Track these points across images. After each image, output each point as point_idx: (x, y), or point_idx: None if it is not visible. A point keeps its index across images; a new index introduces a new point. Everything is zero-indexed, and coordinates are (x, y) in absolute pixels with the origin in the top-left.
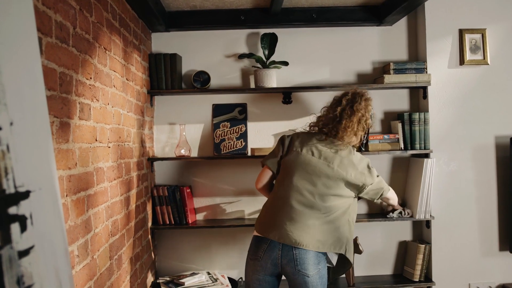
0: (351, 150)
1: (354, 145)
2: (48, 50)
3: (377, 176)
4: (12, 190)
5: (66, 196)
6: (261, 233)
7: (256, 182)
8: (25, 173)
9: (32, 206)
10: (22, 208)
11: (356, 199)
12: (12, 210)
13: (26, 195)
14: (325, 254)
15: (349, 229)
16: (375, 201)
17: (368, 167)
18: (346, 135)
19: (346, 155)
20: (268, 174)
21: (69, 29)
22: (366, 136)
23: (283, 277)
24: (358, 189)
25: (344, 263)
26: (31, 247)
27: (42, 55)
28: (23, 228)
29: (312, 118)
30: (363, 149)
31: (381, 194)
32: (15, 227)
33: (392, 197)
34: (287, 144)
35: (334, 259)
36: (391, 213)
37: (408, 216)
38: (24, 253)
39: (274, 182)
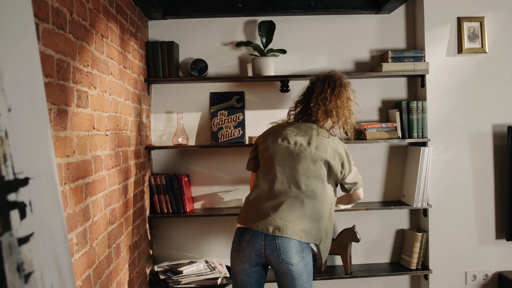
0: (328, 134)
1: (333, 129)
2: (45, 36)
3: (355, 168)
4: (11, 177)
5: (65, 184)
6: (244, 224)
7: (250, 187)
8: (24, 160)
9: (31, 193)
10: (22, 195)
11: (334, 191)
12: (12, 197)
13: (25, 182)
14: (308, 243)
15: (330, 222)
16: (349, 192)
17: (346, 152)
18: (320, 116)
19: (323, 137)
20: (253, 176)
21: (66, 15)
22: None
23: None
24: (337, 174)
25: (318, 252)
26: (31, 234)
27: (39, 41)
28: (23, 215)
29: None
30: (349, 136)
31: (356, 187)
32: (14, 214)
33: (360, 197)
34: (260, 140)
35: (315, 247)
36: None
37: None
38: (23, 240)
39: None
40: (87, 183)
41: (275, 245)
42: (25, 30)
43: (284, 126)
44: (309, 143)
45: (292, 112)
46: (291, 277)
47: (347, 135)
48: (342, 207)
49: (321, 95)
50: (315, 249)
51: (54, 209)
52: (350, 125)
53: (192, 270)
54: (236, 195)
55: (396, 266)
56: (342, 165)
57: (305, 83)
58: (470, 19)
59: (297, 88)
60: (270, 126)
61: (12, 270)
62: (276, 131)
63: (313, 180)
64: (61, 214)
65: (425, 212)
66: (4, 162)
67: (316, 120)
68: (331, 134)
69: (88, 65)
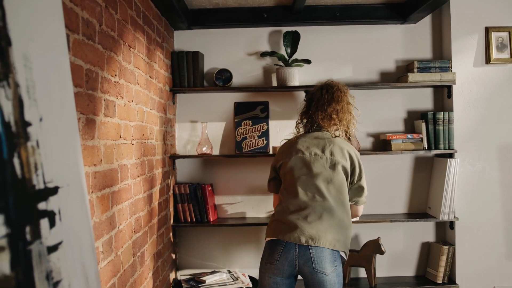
0: (340, 138)
1: (344, 135)
2: (75, 46)
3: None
4: (41, 186)
5: (92, 192)
6: (274, 236)
7: (273, 206)
8: (54, 169)
9: (60, 202)
10: (51, 203)
11: None
12: (42, 205)
13: (54, 191)
14: (338, 252)
15: (351, 229)
16: (352, 201)
17: (358, 159)
18: (327, 123)
19: (335, 142)
20: (275, 197)
21: (95, 26)
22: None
23: (299, 277)
24: (349, 177)
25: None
26: (60, 243)
27: (69, 52)
28: (52, 224)
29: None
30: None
31: (360, 199)
32: (44, 223)
33: (359, 213)
34: (275, 161)
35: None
36: None
37: None
38: (52, 249)
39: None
40: (113, 192)
41: (309, 255)
42: (56, 41)
43: (295, 140)
44: (323, 151)
45: (300, 125)
46: None
47: (349, 140)
48: None
49: (320, 102)
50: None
51: (82, 217)
52: (351, 129)
53: (215, 280)
54: (260, 205)
55: (422, 279)
56: (354, 170)
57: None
58: (499, 29)
59: None
60: (282, 143)
61: (41, 279)
62: (289, 147)
63: (334, 187)
64: (89, 223)
65: (451, 225)
66: (35, 171)
67: (322, 127)
68: (345, 139)
69: (115, 75)
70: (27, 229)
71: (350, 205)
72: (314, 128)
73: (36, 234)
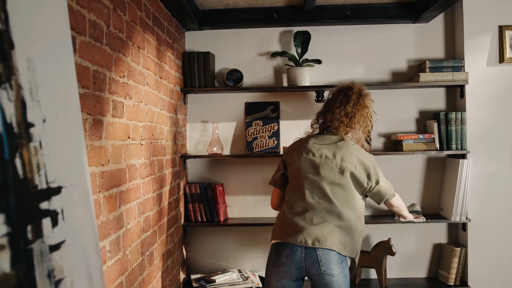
0: (353, 144)
1: (357, 140)
2: (82, 48)
3: (384, 179)
4: (44, 186)
5: (99, 192)
6: (280, 238)
7: (270, 203)
8: (57, 169)
9: (63, 201)
10: (54, 203)
11: (364, 202)
12: (44, 205)
13: (57, 190)
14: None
15: (361, 233)
16: (379, 204)
17: (373, 163)
18: (341, 126)
19: (347, 147)
20: (275, 192)
21: (103, 28)
22: (370, 133)
23: (306, 278)
24: (363, 185)
25: (352, 265)
26: (62, 242)
27: (75, 54)
28: (55, 223)
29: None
30: (370, 145)
31: (386, 199)
32: (46, 222)
33: (398, 204)
34: (286, 157)
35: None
36: (396, 217)
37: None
38: (55, 248)
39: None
40: (121, 192)
41: (316, 257)
42: (61, 43)
43: (307, 140)
44: (334, 155)
45: (315, 125)
46: None
47: (368, 143)
48: (402, 219)
49: (335, 103)
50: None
51: (86, 217)
52: (367, 133)
53: (225, 279)
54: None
55: (433, 281)
56: (369, 176)
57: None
58: None
59: None
60: (294, 140)
61: (43, 277)
62: (300, 146)
63: (342, 191)
64: (93, 222)
65: (464, 226)
66: (37, 171)
67: (337, 130)
68: (356, 143)
69: (124, 76)
70: (29, 228)
71: (385, 204)
72: (327, 130)
73: (38, 233)
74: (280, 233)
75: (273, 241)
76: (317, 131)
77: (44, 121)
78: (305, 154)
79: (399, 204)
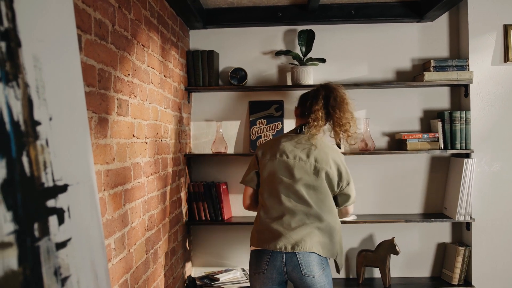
0: (326, 143)
1: (336, 141)
2: (88, 47)
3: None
4: (50, 184)
5: (104, 190)
6: (260, 246)
7: (242, 203)
8: (63, 167)
9: (69, 199)
10: (60, 201)
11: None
12: (50, 203)
13: (64, 188)
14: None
15: (340, 234)
16: (339, 207)
17: (344, 163)
18: (316, 125)
19: (321, 147)
20: (248, 192)
21: (108, 26)
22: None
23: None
24: (335, 185)
25: (336, 267)
26: (68, 240)
27: (81, 52)
28: (61, 221)
29: None
30: (341, 147)
31: (349, 203)
32: (53, 220)
33: (350, 212)
34: (260, 156)
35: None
36: None
37: None
38: (61, 245)
39: (258, 196)
40: (126, 190)
41: (296, 261)
42: (67, 41)
43: (279, 140)
44: (308, 156)
45: (298, 123)
46: None
47: (351, 143)
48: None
49: (317, 105)
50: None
51: (92, 215)
52: (352, 133)
53: (229, 278)
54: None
55: (437, 280)
56: (340, 177)
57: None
58: None
59: None
60: (266, 140)
61: (49, 274)
62: (273, 146)
63: (318, 193)
64: (99, 220)
65: (468, 225)
66: (44, 169)
67: (312, 128)
68: (329, 144)
69: (129, 75)
70: (36, 226)
71: (340, 208)
72: (303, 130)
73: (45, 231)
74: (258, 240)
75: (252, 248)
76: (290, 130)
77: (50, 119)
78: (279, 156)
79: (351, 212)
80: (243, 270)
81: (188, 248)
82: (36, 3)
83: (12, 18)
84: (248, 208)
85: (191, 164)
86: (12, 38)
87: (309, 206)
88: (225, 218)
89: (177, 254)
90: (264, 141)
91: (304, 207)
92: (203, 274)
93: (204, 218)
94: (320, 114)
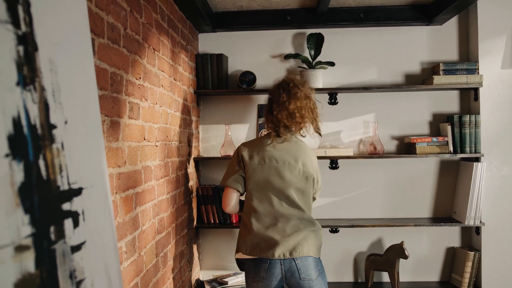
0: (299, 142)
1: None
2: (100, 50)
3: None
4: (66, 187)
5: (116, 193)
6: (257, 255)
7: (223, 205)
8: (78, 171)
9: (84, 202)
10: (75, 204)
11: None
12: (66, 206)
13: (78, 192)
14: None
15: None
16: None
17: (316, 161)
18: (289, 122)
19: (305, 150)
20: (233, 194)
21: (120, 30)
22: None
23: None
24: (316, 185)
25: None
26: (83, 243)
27: (94, 56)
28: (76, 224)
29: None
30: (306, 136)
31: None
32: (68, 223)
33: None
34: (247, 159)
35: None
36: None
37: None
38: (76, 248)
39: (244, 199)
40: (137, 193)
41: (295, 266)
42: (82, 45)
43: (265, 143)
44: (296, 160)
45: (269, 125)
46: None
47: (320, 135)
48: None
49: (279, 101)
50: None
51: (105, 218)
52: (317, 124)
53: (237, 281)
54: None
55: (446, 285)
56: (318, 173)
57: (353, 96)
58: None
59: (346, 100)
60: (248, 140)
61: (65, 277)
62: (260, 150)
63: (306, 197)
64: (112, 223)
65: (477, 230)
66: (60, 173)
67: (289, 128)
68: (300, 141)
69: (140, 78)
70: (52, 229)
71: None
72: (282, 131)
73: (60, 234)
74: (253, 248)
75: (247, 256)
76: (269, 131)
77: (66, 122)
78: (268, 161)
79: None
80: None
81: (196, 251)
82: (52, 7)
83: (30, 23)
84: (231, 211)
85: (200, 167)
86: (29, 42)
87: (302, 210)
88: (234, 222)
89: (186, 257)
90: None
91: (297, 211)
92: (211, 277)
93: (212, 222)
94: (291, 110)
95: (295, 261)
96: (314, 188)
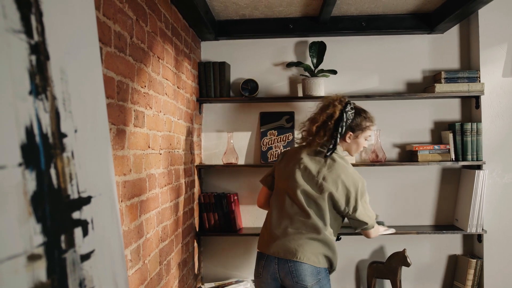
0: (343, 163)
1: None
2: (108, 59)
3: (367, 206)
4: (75, 196)
5: (121, 201)
6: (260, 249)
7: (257, 200)
8: (87, 179)
9: (93, 211)
10: (84, 213)
11: (340, 220)
12: (76, 215)
13: (88, 200)
14: (323, 268)
15: (335, 247)
16: (355, 230)
17: (357, 188)
18: (315, 143)
19: (335, 167)
20: (264, 191)
21: (127, 38)
22: (334, 143)
23: None
24: (340, 208)
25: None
26: (92, 251)
27: (102, 64)
28: (85, 233)
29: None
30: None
31: (364, 228)
32: (78, 232)
33: (374, 236)
34: (279, 160)
35: None
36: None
37: None
38: (85, 257)
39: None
40: (141, 201)
41: (288, 269)
42: (90, 54)
43: (299, 150)
44: (318, 172)
45: (305, 135)
46: None
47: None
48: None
49: (319, 118)
50: None
51: (113, 226)
52: (348, 141)
53: None
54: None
55: None
56: (347, 201)
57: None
58: None
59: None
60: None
61: (75, 286)
62: (292, 155)
63: (319, 207)
64: (119, 232)
65: (479, 237)
66: (70, 181)
67: (320, 142)
68: (347, 165)
69: (145, 86)
70: (62, 237)
71: (363, 232)
72: (314, 144)
73: (71, 243)
74: (261, 242)
75: (257, 250)
76: (306, 143)
77: (75, 131)
78: (292, 165)
79: (375, 236)
80: (253, 281)
81: (199, 259)
82: (62, 17)
83: (42, 32)
84: (261, 206)
85: (202, 175)
86: (41, 51)
87: (308, 216)
88: (236, 229)
89: (188, 265)
90: (275, 152)
91: (303, 217)
92: (213, 285)
93: (214, 229)
94: (327, 128)
95: (288, 263)
96: (343, 209)
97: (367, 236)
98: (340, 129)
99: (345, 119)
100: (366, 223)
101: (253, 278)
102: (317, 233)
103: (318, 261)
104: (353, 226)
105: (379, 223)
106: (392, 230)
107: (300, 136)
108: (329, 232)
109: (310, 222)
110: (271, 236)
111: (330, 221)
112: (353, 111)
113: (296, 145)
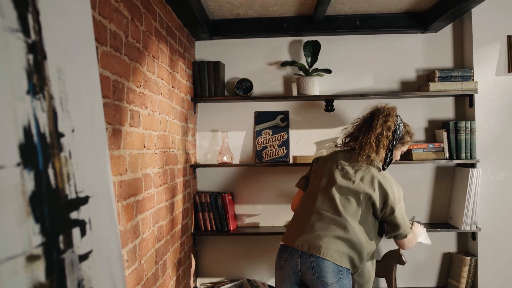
0: (381, 171)
1: (377, 163)
2: (103, 58)
3: (403, 213)
4: (73, 196)
5: (118, 201)
6: (284, 241)
7: (291, 204)
8: (84, 179)
9: (90, 211)
10: (82, 213)
11: (377, 225)
12: (74, 215)
13: (85, 200)
14: (345, 268)
15: (368, 252)
16: (388, 237)
17: (395, 194)
18: (363, 152)
19: (371, 171)
20: (299, 194)
21: (122, 38)
22: (390, 155)
23: None
24: (377, 211)
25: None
26: (90, 252)
27: (98, 64)
28: (83, 233)
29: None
30: (386, 167)
31: (396, 235)
32: (76, 232)
33: (408, 247)
34: (315, 163)
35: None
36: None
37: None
38: (84, 257)
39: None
40: (137, 201)
41: (310, 263)
42: (87, 53)
43: (339, 152)
44: (355, 172)
45: (349, 141)
46: None
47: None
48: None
49: (370, 126)
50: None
51: (110, 226)
52: (388, 154)
53: None
54: (280, 214)
55: None
56: (385, 203)
57: (350, 103)
58: None
59: (342, 107)
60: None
61: (74, 286)
62: (329, 157)
63: (352, 206)
64: (117, 232)
65: (473, 235)
66: (67, 181)
67: (360, 153)
68: (382, 171)
69: (140, 86)
70: (60, 238)
71: (395, 240)
72: (361, 150)
73: (69, 243)
74: (285, 235)
75: (281, 242)
76: (349, 146)
77: (73, 131)
78: (329, 165)
79: (411, 246)
80: (249, 281)
81: (194, 258)
82: (59, 15)
83: (39, 31)
84: (294, 209)
85: (197, 174)
86: (38, 50)
87: (339, 214)
88: (231, 229)
89: (184, 265)
90: (270, 151)
91: (334, 215)
92: (208, 285)
93: (210, 229)
94: (361, 135)
95: (310, 258)
96: (380, 210)
97: (401, 246)
98: (394, 141)
99: (398, 132)
100: (399, 229)
101: (249, 278)
102: (344, 232)
103: (341, 260)
104: (386, 230)
105: (416, 221)
106: (429, 243)
107: (342, 141)
108: (359, 234)
109: (339, 220)
110: (298, 229)
111: (363, 223)
112: (402, 123)
113: (337, 149)
